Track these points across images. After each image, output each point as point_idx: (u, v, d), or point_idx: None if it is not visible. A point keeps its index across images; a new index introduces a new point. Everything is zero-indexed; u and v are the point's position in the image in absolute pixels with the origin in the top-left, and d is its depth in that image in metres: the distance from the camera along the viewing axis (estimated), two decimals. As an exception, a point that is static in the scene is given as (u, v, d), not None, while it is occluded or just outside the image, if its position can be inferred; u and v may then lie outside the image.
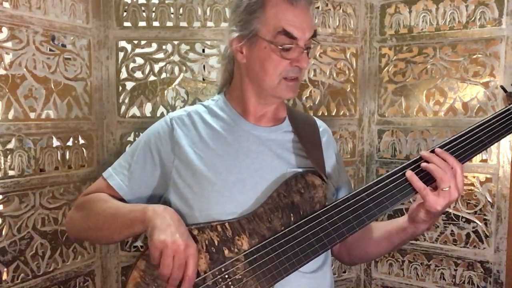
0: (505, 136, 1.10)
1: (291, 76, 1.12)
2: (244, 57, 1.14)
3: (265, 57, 1.10)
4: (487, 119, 1.11)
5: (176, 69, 1.67)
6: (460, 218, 1.69)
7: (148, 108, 1.68)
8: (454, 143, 1.07)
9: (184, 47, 1.67)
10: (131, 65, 1.65)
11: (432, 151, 1.05)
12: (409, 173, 1.04)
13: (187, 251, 0.98)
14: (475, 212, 1.67)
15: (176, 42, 1.66)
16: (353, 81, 1.85)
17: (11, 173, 1.39)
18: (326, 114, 1.83)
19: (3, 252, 1.37)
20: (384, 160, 1.84)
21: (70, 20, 1.53)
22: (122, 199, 1.17)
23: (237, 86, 1.21)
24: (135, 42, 1.64)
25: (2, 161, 1.36)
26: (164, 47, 1.66)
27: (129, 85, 1.66)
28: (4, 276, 1.38)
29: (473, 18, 1.65)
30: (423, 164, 1.04)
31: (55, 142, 1.51)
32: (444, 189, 1.00)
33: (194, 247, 1.00)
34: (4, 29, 1.35)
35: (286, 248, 1.04)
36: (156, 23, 1.65)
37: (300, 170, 1.14)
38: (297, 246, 1.04)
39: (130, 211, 1.08)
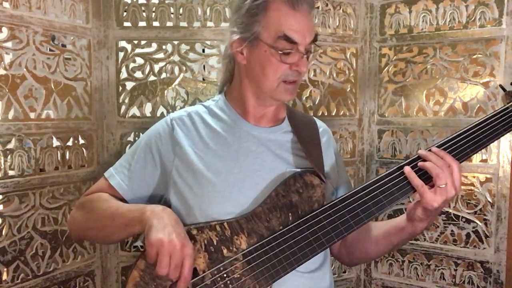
0: (503, 135, 1.10)
1: (290, 80, 1.12)
2: (244, 58, 1.14)
3: (265, 60, 1.10)
4: (485, 118, 1.11)
5: (176, 69, 1.67)
6: (460, 218, 1.69)
7: (148, 108, 1.68)
8: (453, 141, 1.07)
9: (184, 47, 1.67)
10: (131, 65, 1.65)
11: (429, 150, 1.06)
12: (407, 169, 1.05)
13: (183, 251, 0.98)
14: (475, 212, 1.66)
15: (176, 42, 1.66)
16: (353, 81, 1.85)
17: (11, 173, 1.39)
18: (326, 114, 1.83)
19: (3, 252, 1.37)
20: (384, 160, 1.83)
21: (70, 20, 1.53)
22: (122, 199, 1.18)
23: (236, 86, 1.22)
24: (135, 42, 1.65)
25: (2, 161, 1.36)
26: (164, 47, 1.66)
27: (129, 85, 1.66)
28: (4, 276, 1.38)
29: (473, 18, 1.64)
30: (420, 163, 1.04)
31: (55, 142, 1.51)
32: (440, 186, 1.00)
33: (190, 247, 1.00)
34: (4, 29, 1.35)
35: (284, 247, 1.04)
36: (156, 23, 1.65)
37: (299, 170, 1.14)
38: (295, 245, 1.04)
39: (129, 211, 1.08)
